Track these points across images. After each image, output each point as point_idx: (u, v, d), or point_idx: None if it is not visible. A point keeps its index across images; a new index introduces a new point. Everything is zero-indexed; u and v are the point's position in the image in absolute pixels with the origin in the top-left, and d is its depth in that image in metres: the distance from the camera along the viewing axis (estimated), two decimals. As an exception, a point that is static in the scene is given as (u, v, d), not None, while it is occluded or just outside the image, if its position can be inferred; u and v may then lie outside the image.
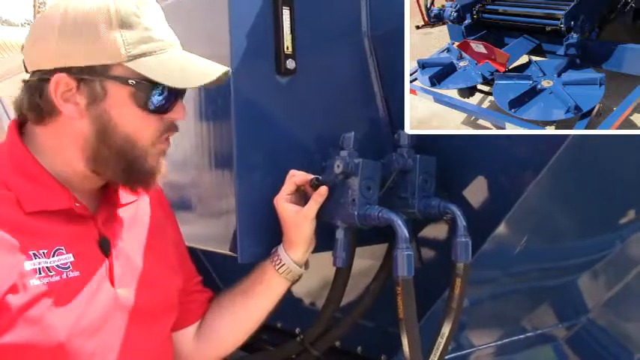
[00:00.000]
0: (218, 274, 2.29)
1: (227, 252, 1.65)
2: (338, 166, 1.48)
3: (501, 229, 1.55)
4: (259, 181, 1.60)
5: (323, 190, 1.50)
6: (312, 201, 1.51)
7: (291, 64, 1.60)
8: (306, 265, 1.59)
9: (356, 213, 1.47)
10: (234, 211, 1.60)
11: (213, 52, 1.58)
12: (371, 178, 1.49)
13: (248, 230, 1.59)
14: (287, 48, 1.60)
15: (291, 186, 1.54)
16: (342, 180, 1.50)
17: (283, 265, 1.55)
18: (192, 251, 1.79)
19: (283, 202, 1.54)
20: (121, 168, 1.30)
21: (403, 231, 1.40)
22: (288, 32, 1.60)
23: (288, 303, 1.68)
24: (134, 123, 1.29)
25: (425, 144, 1.66)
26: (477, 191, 1.65)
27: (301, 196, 1.57)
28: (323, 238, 1.62)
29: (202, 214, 1.80)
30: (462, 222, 1.51)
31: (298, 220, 1.52)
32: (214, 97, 1.71)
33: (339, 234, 1.53)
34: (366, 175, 1.48)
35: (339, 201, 1.51)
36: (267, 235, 1.61)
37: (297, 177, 1.55)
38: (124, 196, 1.43)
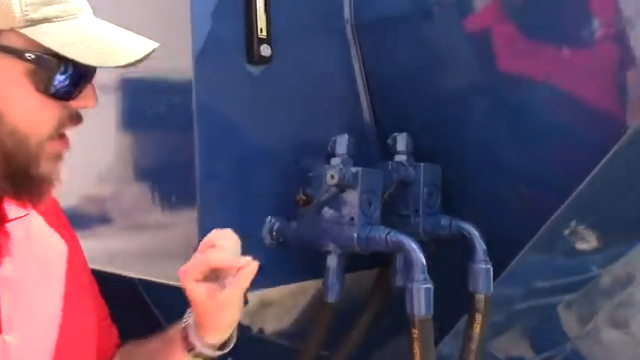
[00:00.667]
0: (161, 310, 1.93)
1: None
2: (332, 177, 1.17)
3: (524, 254, 1.29)
4: (225, 197, 1.28)
5: (252, 267, 1.01)
6: (235, 285, 1.03)
7: (266, 50, 1.29)
8: (228, 342, 1.13)
9: (355, 235, 1.17)
10: (192, 233, 1.27)
11: (170, 34, 1.27)
12: (372, 190, 1.20)
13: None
14: (261, 31, 1.29)
15: (204, 265, 1.05)
16: (336, 194, 1.20)
17: (193, 349, 1.10)
18: (128, 281, 1.46)
19: (191, 281, 1.05)
20: (3, 172, 0.93)
21: (419, 258, 1.11)
22: (263, 11, 1.30)
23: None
24: (27, 111, 0.91)
25: (424, 151, 1.39)
26: (488, 208, 1.38)
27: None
28: (305, 265, 1.32)
29: (147, 236, 1.47)
30: (481, 245, 1.23)
31: (211, 308, 1.07)
32: (165, 90, 1.39)
33: (332, 261, 1.22)
34: (367, 187, 1.19)
35: (331, 220, 1.21)
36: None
37: (214, 256, 1.05)
38: (12, 209, 1.05)
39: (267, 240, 1.32)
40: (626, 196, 1.37)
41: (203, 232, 1.24)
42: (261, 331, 1.95)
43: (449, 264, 1.29)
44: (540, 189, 1.35)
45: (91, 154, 1.57)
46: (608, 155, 1.19)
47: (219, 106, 1.28)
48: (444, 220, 1.29)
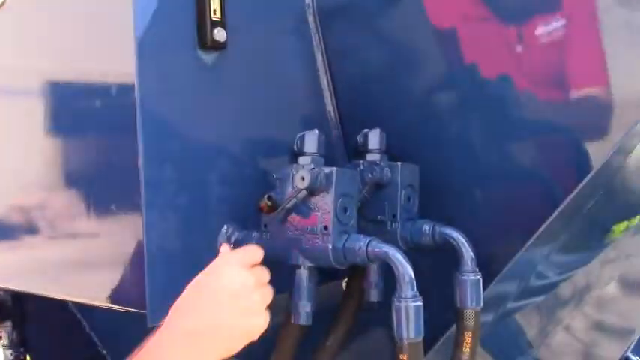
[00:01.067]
0: (97, 332, 1.72)
1: (127, 308, 1.13)
2: (302, 179, 1.01)
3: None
4: (174, 204, 1.10)
5: None
6: None
7: (220, 34, 1.12)
8: None
9: (330, 246, 1.01)
10: (135, 248, 1.09)
11: (107, 15, 1.09)
12: (348, 194, 1.05)
13: (161, 275, 1.08)
14: (214, 12, 1.12)
15: None
16: (305, 199, 1.04)
17: None
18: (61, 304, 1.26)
19: None
20: None
21: (407, 271, 0.95)
22: (216, -10, 1.13)
23: None
24: None
25: (393, 151, 1.25)
26: (467, 213, 1.24)
27: None
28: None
29: (79, 246, 1.27)
30: (468, 253, 1.10)
31: None
32: (100, 89, 1.21)
33: (301, 277, 1.06)
34: (343, 191, 1.03)
35: (301, 229, 1.04)
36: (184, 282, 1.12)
37: None
38: None
39: (224, 253, 1.15)
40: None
41: (149, 243, 1.07)
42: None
43: (431, 274, 1.15)
44: (521, 188, 1.23)
45: (17, 161, 1.38)
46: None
47: (165, 100, 1.10)
48: (426, 226, 1.14)
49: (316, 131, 1.07)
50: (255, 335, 0.96)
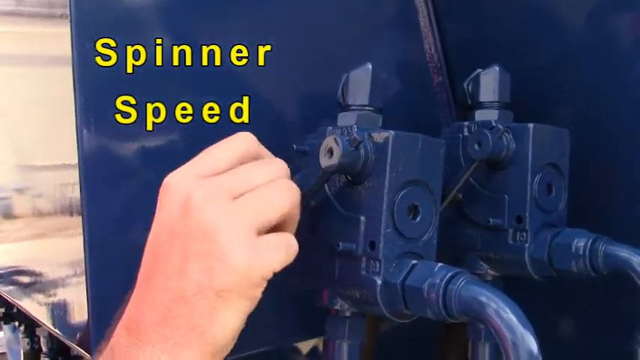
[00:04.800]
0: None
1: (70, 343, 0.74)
2: (329, 152, 0.53)
3: None
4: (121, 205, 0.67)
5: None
6: None
7: None
8: None
9: (379, 281, 0.53)
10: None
11: None
12: (419, 181, 0.55)
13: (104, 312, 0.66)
14: None
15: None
16: (343, 190, 0.56)
17: None
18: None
19: None
20: None
21: (526, 346, 0.45)
22: None
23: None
24: None
25: (528, 105, 0.73)
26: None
27: None
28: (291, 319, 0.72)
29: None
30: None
31: None
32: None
33: (337, 328, 0.58)
34: (407, 175, 0.54)
35: (330, 244, 0.57)
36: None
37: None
38: None
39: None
40: None
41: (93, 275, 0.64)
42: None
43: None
44: None
45: None
46: None
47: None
48: (580, 241, 0.62)
49: (369, 67, 0.58)
50: (253, 288, 0.47)
